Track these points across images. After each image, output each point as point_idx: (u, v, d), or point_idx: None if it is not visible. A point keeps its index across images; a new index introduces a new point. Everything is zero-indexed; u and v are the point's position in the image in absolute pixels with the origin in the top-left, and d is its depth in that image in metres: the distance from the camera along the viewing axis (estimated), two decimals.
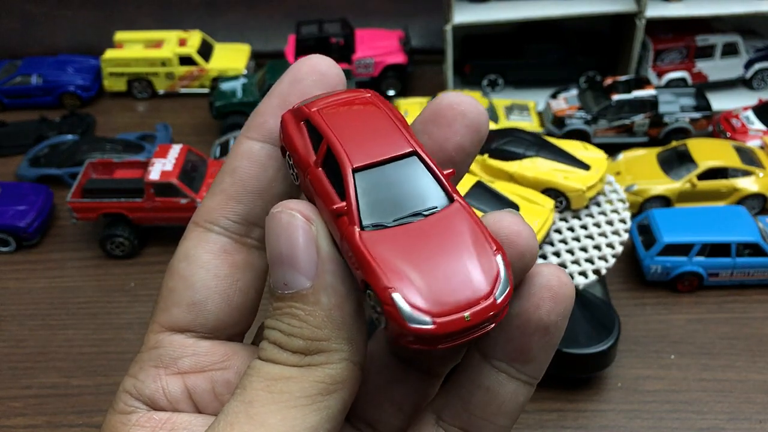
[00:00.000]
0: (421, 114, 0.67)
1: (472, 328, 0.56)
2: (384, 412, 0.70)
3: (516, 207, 2.62)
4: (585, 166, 2.76)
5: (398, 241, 0.58)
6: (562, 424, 2.63)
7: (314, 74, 0.70)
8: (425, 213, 0.60)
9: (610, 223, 2.72)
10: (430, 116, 0.65)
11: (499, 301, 0.56)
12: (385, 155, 0.61)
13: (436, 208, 0.60)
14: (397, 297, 0.55)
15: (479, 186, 2.71)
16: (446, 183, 0.61)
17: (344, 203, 0.60)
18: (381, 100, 0.65)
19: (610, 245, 2.62)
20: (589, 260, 2.54)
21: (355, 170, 0.61)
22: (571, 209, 2.68)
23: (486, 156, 3.06)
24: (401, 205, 0.60)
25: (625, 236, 2.63)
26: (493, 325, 0.58)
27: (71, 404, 2.74)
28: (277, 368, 0.60)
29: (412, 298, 0.55)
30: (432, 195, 0.61)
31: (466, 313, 0.55)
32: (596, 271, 2.51)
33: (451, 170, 0.62)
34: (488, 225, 0.61)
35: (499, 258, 0.57)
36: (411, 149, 0.61)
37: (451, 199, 0.61)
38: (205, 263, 0.68)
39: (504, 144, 3.03)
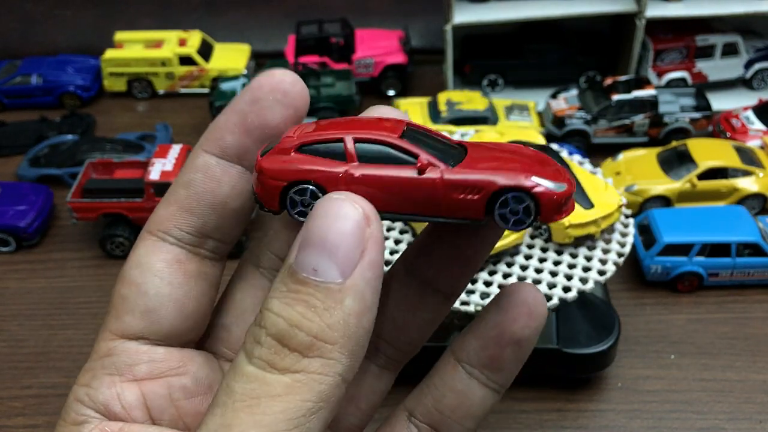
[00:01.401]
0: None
1: (567, 195, 0.64)
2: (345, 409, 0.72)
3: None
4: (589, 204, 2.61)
5: (483, 159, 0.65)
6: (562, 424, 2.63)
7: (276, 92, 0.65)
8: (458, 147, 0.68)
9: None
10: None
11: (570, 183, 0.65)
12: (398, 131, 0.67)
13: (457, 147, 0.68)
14: (536, 179, 0.63)
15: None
16: (450, 138, 0.69)
17: (423, 160, 0.63)
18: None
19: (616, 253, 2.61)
20: (588, 268, 2.53)
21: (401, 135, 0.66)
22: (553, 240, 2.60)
23: None
24: (439, 146, 0.67)
25: (628, 247, 2.60)
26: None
27: None
28: (263, 381, 0.54)
29: (538, 179, 0.64)
30: (449, 150, 0.68)
31: (564, 184, 0.64)
32: (601, 272, 2.51)
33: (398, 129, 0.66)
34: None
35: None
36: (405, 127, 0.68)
37: (464, 147, 0.68)
38: (159, 271, 0.67)
39: None
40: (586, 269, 2.50)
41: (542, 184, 0.63)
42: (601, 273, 2.47)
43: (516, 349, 0.65)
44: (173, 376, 0.67)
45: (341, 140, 0.61)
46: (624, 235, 2.64)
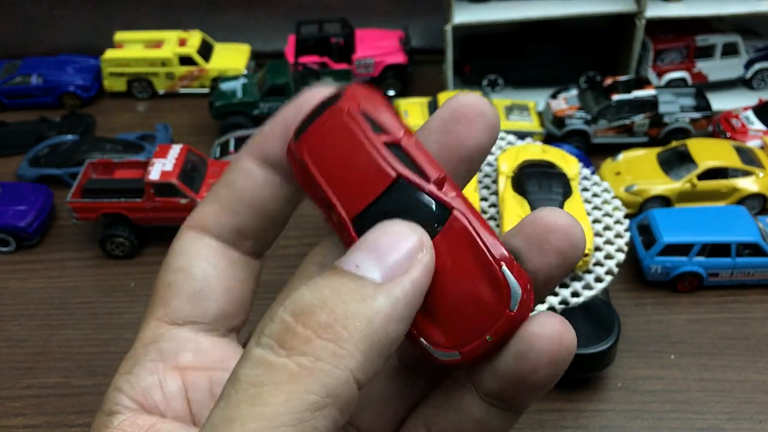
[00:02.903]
0: (440, 113, 0.64)
1: (496, 344, 0.57)
2: (382, 418, 0.69)
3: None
4: None
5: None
6: (562, 424, 2.63)
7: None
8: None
9: (608, 237, 2.69)
10: (450, 115, 0.63)
11: (514, 311, 0.56)
12: (375, 193, 0.60)
13: (437, 226, 0.59)
14: (423, 342, 0.58)
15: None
16: (438, 195, 0.59)
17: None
18: (355, 111, 0.62)
19: (609, 256, 2.60)
20: (588, 271, 2.53)
21: (353, 220, 0.60)
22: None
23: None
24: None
25: (624, 248, 2.60)
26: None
27: (71, 404, 2.74)
28: (268, 365, 0.50)
29: (434, 337, 0.57)
30: (429, 214, 0.59)
31: (488, 336, 0.57)
32: (599, 279, 2.51)
33: (442, 175, 0.59)
34: (535, 219, 0.59)
35: (504, 269, 0.56)
36: (394, 176, 0.60)
37: (447, 211, 0.58)
38: (204, 256, 0.67)
39: (527, 177, 2.87)
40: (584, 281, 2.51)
41: (426, 346, 0.58)
42: (599, 280, 2.49)
43: (538, 392, 0.59)
44: (216, 371, 0.65)
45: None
46: (618, 209, 2.68)
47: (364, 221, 0.60)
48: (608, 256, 2.60)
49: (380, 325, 0.52)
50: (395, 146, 0.60)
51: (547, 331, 0.56)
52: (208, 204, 0.68)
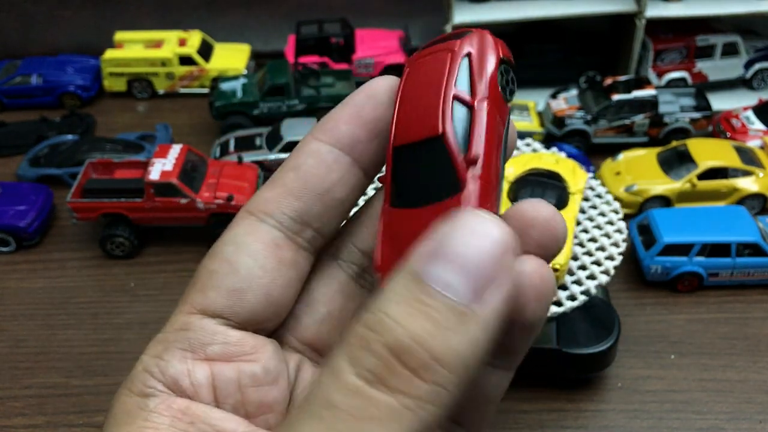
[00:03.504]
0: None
1: None
2: None
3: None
4: None
5: (398, 225, 0.64)
6: (562, 424, 2.63)
7: (391, 92, 0.67)
8: (433, 201, 0.62)
9: (606, 235, 2.68)
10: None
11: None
12: (418, 136, 0.63)
13: (444, 196, 0.61)
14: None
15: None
16: (461, 171, 0.60)
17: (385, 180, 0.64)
18: (459, 56, 0.63)
19: (610, 257, 2.60)
20: (591, 276, 2.53)
21: (394, 149, 0.64)
22: None
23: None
24: (423, 189, 0.63)
25: (623, 247, 2.60)
26: None
27: (71, 404, 2.74)
28: (368, 399, 0.49)
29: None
30: (445, 183, 0.61)
31: None
32: (598, 285, 2.51)
33: (479, 154, 0.60)
34: (516, 211, 0.61)
35: None
36: (438, 132, 0.61)
37: (458, 189, 0.60)
38: (254, 252, 0.66)
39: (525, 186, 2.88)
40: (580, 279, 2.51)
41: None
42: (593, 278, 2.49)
43: (527, 333, 0.61)
44: (244, 362, 0.66)
45: None
46: (615, 212, 2.67)
47: (399, 157, 0.64)
48: (599, 263, 2.60)
49: (473, 354, 0.51)
50: (465, 105, 0.61)
51: (530, 267, 0.57)
52: (272, 188, 0.67)
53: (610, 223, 2.68)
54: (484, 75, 0.62)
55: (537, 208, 0.60)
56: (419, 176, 0.62)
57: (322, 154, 0.67)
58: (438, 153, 0.61)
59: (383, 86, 0.67)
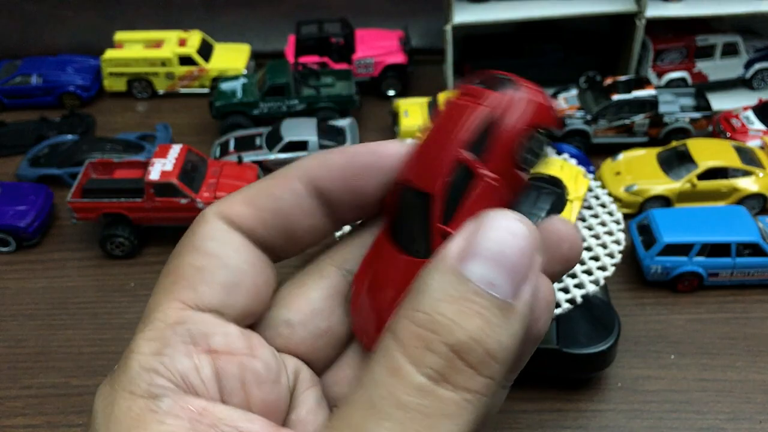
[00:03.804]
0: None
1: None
2: None
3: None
4: None
5: (381, 258, 0.64)
6: (562, 424, 2.63)
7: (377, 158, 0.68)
8: (411, 253, 0.62)
9: (608, 233, 2.67)
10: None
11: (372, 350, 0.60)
12: (417, 183, 0.61)
13: (418, 256, 0.60)
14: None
15: None
16: (433, 239, 0.59)
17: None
18: (479, 108, 0.59)
19: (610, 254, 2.60)
20: (587, 272, 2.53)
21: (399, 182, 0.64)
22: None
23: None
24: (408, 229, 0.63)
25: (622, 246, 2.59)
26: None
27: (71, 404, 2.74)
28: (437, 397, 0.52)
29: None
30: (424, 239, 0.60)
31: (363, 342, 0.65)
32: (595, 282, 2.50)
33: (449, 230, 0.59)
34: (550, 226, 0.63)
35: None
36: (429, 191, 0.60)
37: (428, 255, 0.58)
38: (238, 248, 0.65)
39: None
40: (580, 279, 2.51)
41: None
42: (595, 282, 2.49)
43: (534, 345, 0.63)
44: (246, 357, 0.63)
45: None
46: (610, 214, 2.65)
47: (401, 192, 0.63)
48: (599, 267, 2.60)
49: (515, 346, 0.55)
50: (468, 170, 0.58)
51: (544, 283, 0.62)
52: (244, 204, 0.66)
53: (609, 233, 2.66)
54: (501, 140, 0.58)
55: (566, 227, 0.64)
56: (407, 220, 0.62)
57: (300, 196, 0.67)
58: (425, 210, 0.60)
59: (370, 156, 0.66)
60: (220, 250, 0.64)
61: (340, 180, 0.66)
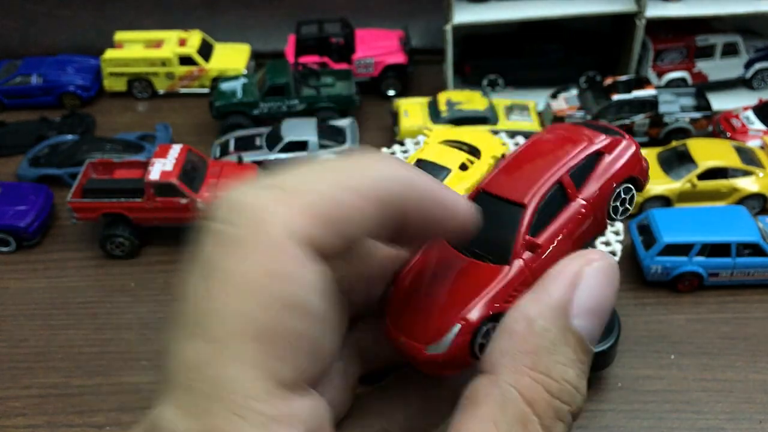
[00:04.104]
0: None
1: (405, 354, 0.61)
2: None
3: None
4: None
5: (440, 257, 0.64)
6: None
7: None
8: (483, 260, 0.63)
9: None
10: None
11: (426, 353, 0.60)
12: (505, 193, 0.64)
13: (490, 262, 0.62)
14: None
15: None
16: (520, 246, 0.62)
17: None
18: (590, 145, 0.64)
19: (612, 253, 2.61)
20: None
21: (481, 191, 0.65)
22: None
23: None
24: (484, 237, 0.63)
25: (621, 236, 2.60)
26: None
27: (71, 404, 2.74)
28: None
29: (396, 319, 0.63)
30: (504, 247, 0.62)
31: (401, 339, 0.61)
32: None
33: (539, 243, 0.62)
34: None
35: (456, 327, 0.59)
36: (521, 202, 0.62)
37: (506, 261, 0.61)
38: (331, 296, 0.52)
39: None
40: None
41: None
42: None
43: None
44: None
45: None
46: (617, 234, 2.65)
47: (480, 200, 0.64)
48: None
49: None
50: (565, 195, 0.62)
51: None
52: (325, 225, 0.50)
53: (606, 243, 2.65)
54: (602, 180, 0.63)
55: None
56: (487, 229, 0.63)
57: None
58: (511, 219, 0.62)
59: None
60: (321, 309, 0.50)
61: (427, 227, 0.58)
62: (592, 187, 0.62)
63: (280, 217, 0.49)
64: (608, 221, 0.64)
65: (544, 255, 0.61)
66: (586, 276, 0.58)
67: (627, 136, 0.65)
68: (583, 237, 0.63)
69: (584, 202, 0.62)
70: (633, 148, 0.65)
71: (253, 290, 0.47)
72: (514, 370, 0.55)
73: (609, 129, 0.66)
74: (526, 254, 0.61)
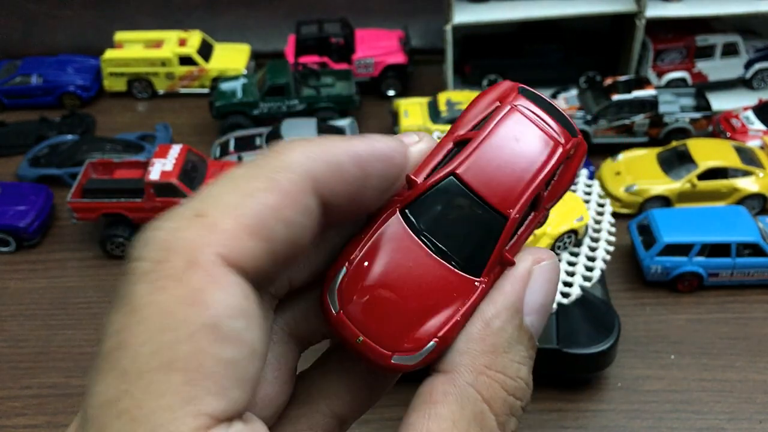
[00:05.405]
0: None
1: (361, 353, 0.58)
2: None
3: None
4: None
5: (395, 247, 0.59)
6: (562, 424, 2.63)
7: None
8: (450, 261, 0.60)
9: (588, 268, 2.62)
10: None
11: (392, 361, 0.58)
12: (485, 193, 0.60)
13: (458, 267, 0.59)
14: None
15: None
16: (493, 261, 0.59)
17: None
18: (563, 153, 0.62)
19: (604, 258, 2.58)
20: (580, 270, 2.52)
21: (453, 174, 0.60)
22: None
23: None
24: (451, 234, 0.60)
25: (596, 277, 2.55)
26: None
27: (71, 404, 2.74)
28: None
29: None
30: (476, 255, 0.59)
31: (360, 337, 0.58)
32: (588, 278, 2.50)
33: (513, 260, 0.60)
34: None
35: (430, 344, 0.58)
36: (505, 214, 0.60)
37: (479, 274, 0.59)
38: (261, 318, 0.49)
39: None
40: (570, 274, 2.50)
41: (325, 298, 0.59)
42: (587, 279, 2.48)
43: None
44: None
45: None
46: (609, 242, 2.63)
47: (452, 187, 0.60)
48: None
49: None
50: (535, 207, 0.61)
51: None
52: (254, 237, 0.49)
53: (591, 259, 2.61)
54: (564, 182, 0.63)
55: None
56: (459, 228, 0.60)
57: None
58: (487, 226, 0.60)
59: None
60: (247, 331, 0.48)
61: (353, 192, 0.55)
62: (553, 196, 0.62)
63: (191, 243, 0.47)
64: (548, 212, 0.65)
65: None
66: (535, 275, 0.60)
67: (579, 134, 0.63)
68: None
69: (547, 211, 0.62)
70: (582, 142, 0.63)
71: (168, 320, 0.45)
72: (472, 370, 0.56)
73: (565, 119, 0.63)
74: (497, 269, 0.60)
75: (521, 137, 0.61)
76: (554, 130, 0.62)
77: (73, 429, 0.48)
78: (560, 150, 0.61)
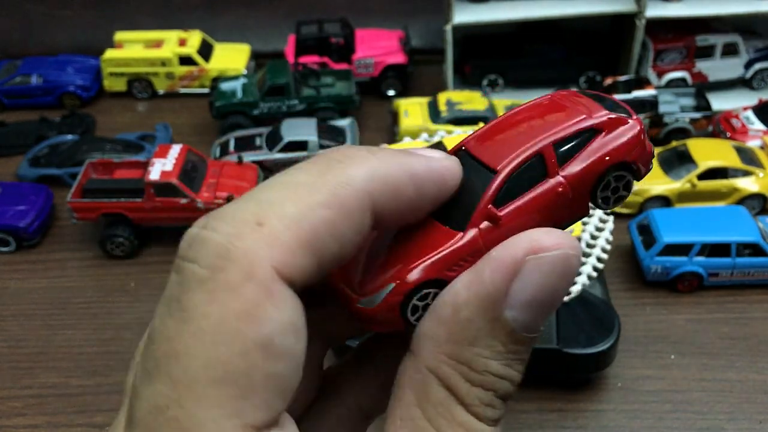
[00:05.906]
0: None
1: (340, 299, 0.60)
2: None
3: None
4: None
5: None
6: (562, 424, 2.63)
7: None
8: (441, 220, 0.60)
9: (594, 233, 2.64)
10: None
11: (357, 305, 0.58)
12: (483, 156, 0.60)
13: (444, 223, 0.59)
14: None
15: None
16: (479, 214, 0.58)
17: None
18: (585, 120, 0.59)
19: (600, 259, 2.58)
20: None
21: (462, 148, 0.61)
22: None
23: None
24: (454, 198, 0.60)
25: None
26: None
27: (71, 404, 2.74)
28: None
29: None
30: (465, 212, 0.59)
31: (341, 285, 0.60)
32: (593, 274, 2.50)
33: (500, 215, 0.58)
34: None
35: (389, 286, 0.57)
36: (493, 168, 0.58)
37: (463, 228, 0.58)
38: (304, 334, 0.50)
39: None
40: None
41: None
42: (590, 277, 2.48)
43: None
44: None
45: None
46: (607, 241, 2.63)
47: (459, 158, 0.61)
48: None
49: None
50: (544, 169, 0.58)
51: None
52: (306, 250, 0.49)
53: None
54: (589, 160, 0.58)
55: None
56: (459, 193, 0.60)
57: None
58: (481, 185, 0.58)
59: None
60: (296, 345, 0.49)
61: (404, 211, 0.56)
62: (576, 166, 0.57)
63: (250, 254, 0.47)
64: (596, 207, 0.60)
65: (505, 228, 0.57)
66: (530, 266, 0.54)
67: (634, 116, 0.60)
68: (556, 218, 0.58)
69: (562, 180, 0.57)
70: (636, 130, 0.59)
71: (222, 335, 0.46)
72: (434, 356, 0.54)
73: (617, 105, 0.60)
74: (485, 224, 0.57)
75: (540, 113, 0.60)
76: (584, 106, 0.60)
77: (121, 428, 0.49)
78: (581, 116, 0.58)
